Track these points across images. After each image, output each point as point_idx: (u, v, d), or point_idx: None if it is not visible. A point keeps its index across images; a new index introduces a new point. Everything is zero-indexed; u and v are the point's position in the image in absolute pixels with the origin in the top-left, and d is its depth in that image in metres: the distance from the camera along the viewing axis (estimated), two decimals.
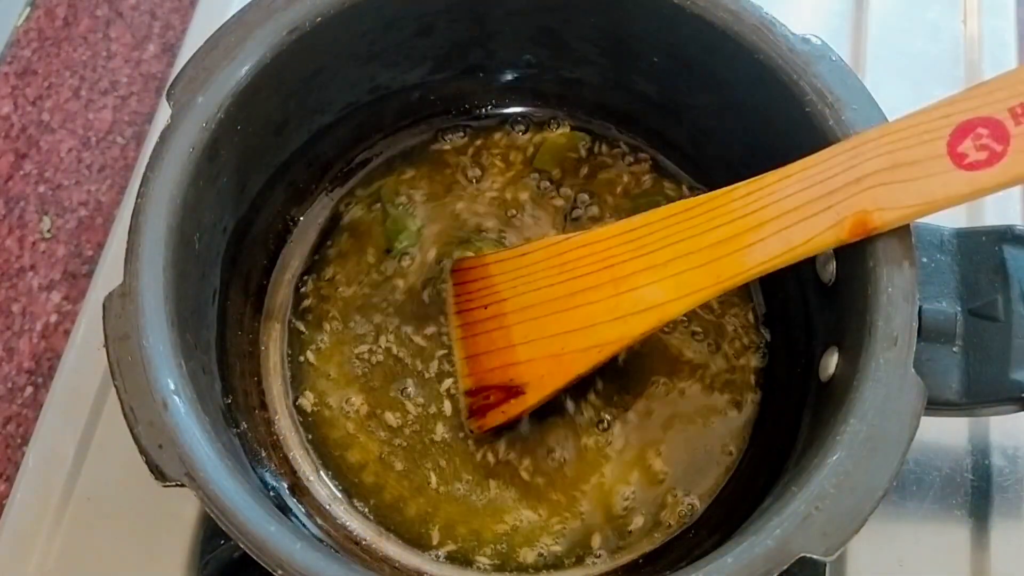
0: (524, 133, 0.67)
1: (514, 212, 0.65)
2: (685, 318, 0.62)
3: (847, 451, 0.45)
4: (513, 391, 0.57)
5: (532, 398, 0.57)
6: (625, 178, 0.66)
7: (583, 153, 0.67)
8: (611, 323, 0.53)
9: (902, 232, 0.48)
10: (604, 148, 0.67)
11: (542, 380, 0.56)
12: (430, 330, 0.62)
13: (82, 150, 0.76)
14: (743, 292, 0.62)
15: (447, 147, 0.67)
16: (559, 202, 0.65)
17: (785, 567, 0.43)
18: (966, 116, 0.47)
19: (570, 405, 0.60)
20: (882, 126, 0.49)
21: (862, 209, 0.48)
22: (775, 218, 0.49)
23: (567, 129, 0.67)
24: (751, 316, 0.62)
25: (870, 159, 0.48)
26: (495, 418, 0.58)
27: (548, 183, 0.66)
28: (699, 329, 0.62)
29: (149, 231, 0.49)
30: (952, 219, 0.53)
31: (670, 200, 0.64)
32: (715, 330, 0.62)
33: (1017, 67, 0.48)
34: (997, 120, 0.46)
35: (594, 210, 0.65)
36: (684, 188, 0.66)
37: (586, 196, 0.65)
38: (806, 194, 0.49)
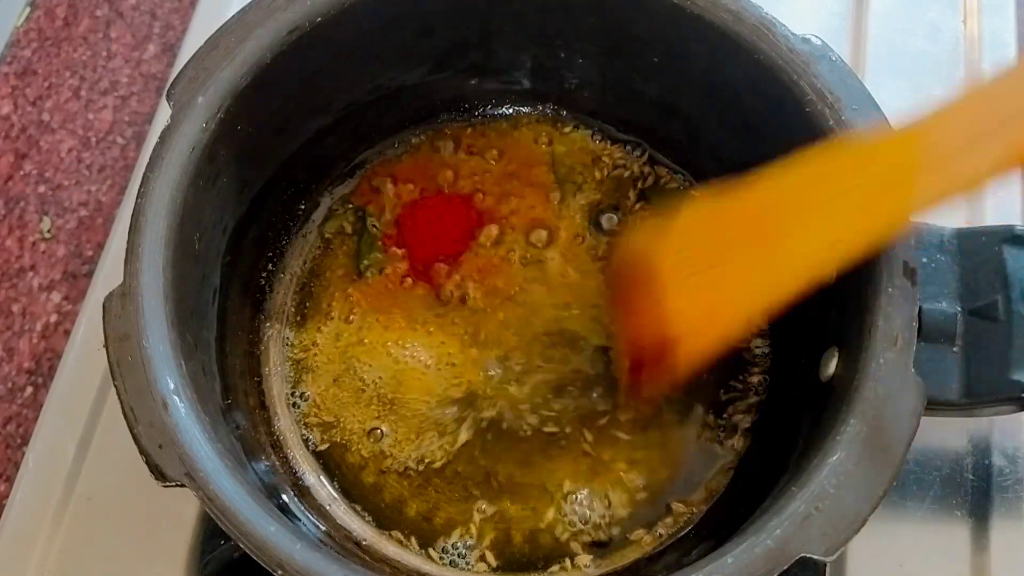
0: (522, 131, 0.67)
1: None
2: None
3: (847, 451, 0.45)
4: (665, 347, 0.54)
5: (683, 357, 0.54)
6: (628, 177, 0.66)
7: (587, 155, 0.67)
8: (767, 281, 0.51)
9: (902, 232, 0.48)
10: (604, 148, 0.67)
11: (694, 336, 0.54)
12: (431, 329, 0.62)
13: (82, 150, 0.76)
14: None
15: (446, 147, 0.67)
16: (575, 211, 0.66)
17: (785, 567, 0.43)
18: None
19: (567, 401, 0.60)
20: (1008, 72, 0.49)
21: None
22: (932, 161, 0.48)
23: (568, 129, 0.67)
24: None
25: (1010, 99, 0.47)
26: (648, 383, 0.56)
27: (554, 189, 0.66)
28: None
29: (149, 231, 0.49)
30: (952, 219, 0.53)
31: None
32: None
33: None
34: None
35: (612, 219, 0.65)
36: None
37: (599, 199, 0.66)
38: (958, 138, 0.47)
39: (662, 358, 0.54)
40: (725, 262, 0.52)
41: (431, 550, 0.57)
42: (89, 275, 0.71)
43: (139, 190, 0.50)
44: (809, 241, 0.50)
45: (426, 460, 0.59)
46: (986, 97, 0.48)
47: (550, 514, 0.58)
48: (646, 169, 0.66)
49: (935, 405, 0.49)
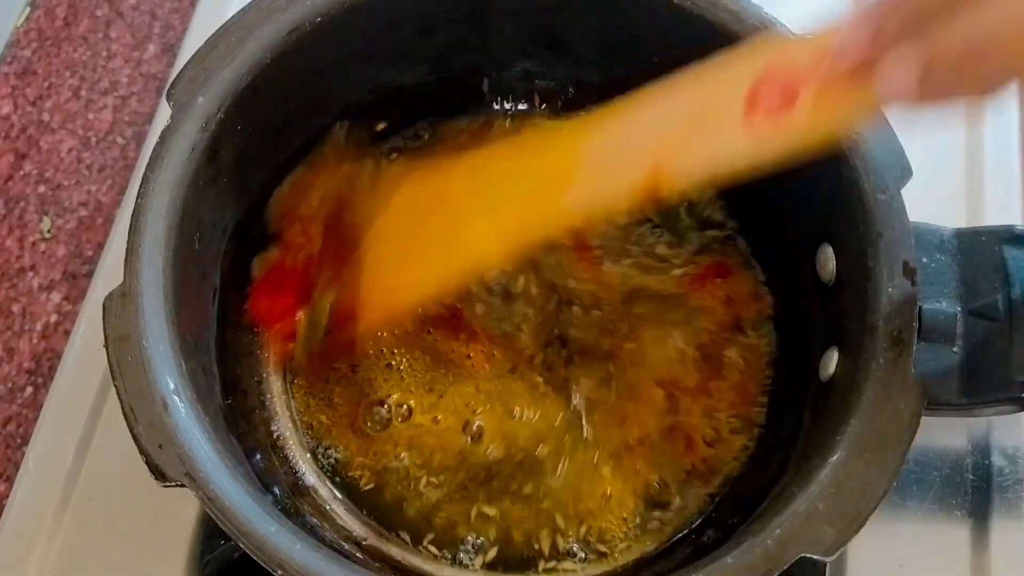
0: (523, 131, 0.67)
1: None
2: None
3: (847, 451, 0.45)
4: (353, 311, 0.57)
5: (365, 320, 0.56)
6: None
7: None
8: (441, 260, 0.54)
9: (902, 232, 0.48)
10: None
11: (373, 305, 0.56)
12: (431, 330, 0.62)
13: (82, 150, 0.76)
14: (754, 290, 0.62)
15: (445, 147, 0.67)
16: None
17: (785, 567, 0.44)
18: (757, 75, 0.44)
19: (562, 409, 0.60)
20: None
21: (659, 167, 0.46)
22: (593, 164, 0.49)
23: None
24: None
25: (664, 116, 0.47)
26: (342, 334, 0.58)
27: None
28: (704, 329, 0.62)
29: (149, 231, 0.49)
30: (952, 219, 0.53)
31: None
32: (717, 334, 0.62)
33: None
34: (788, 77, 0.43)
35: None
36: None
37: None
38: (615, 148, 0.48)
39: (348, 321, 0.57)
40: (415, 243, 0.55)
41: (431, 550, 0.57)
42: (89, 275, 0.71)
43: (139, 190, 0.50)
44: (481, 229, 0.52)
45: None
46: (640, 115, 0.48)
47: (548, 514, 0.58)
48: None
49: (935, 405, 0.49)
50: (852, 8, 0.41)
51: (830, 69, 0.41)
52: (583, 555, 0.57)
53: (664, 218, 0.64)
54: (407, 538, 0.58)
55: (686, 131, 0.46)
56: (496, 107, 0.68)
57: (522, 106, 0.68)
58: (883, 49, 0.38)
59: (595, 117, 0.49)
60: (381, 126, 0.66)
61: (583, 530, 0.58)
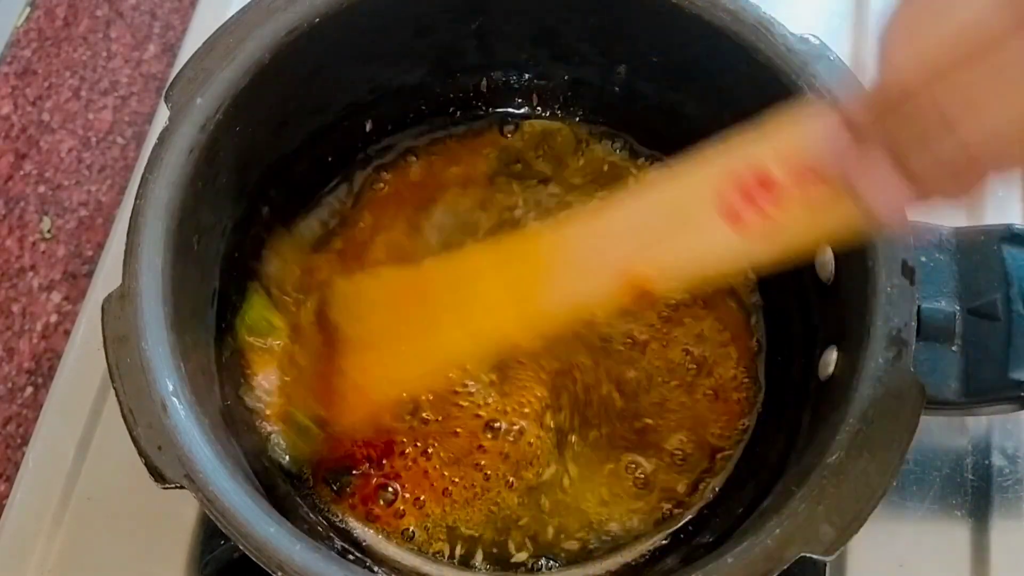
0: (521, 131, 0.67)
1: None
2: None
3: (847, 451, 0.45)
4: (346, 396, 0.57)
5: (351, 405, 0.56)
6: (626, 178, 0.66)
7: (582, 155, 0.67)
8: (419, 355, 0.54)
9: (901, 231, 0.48)
10: (601, 147, 0.67)
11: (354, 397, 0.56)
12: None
13: (82, 150, 0.76)
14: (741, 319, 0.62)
15: (444, 148, 0.67)
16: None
17: (785, 567, 0.43)
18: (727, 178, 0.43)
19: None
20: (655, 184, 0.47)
21: (636, 270, 0.46)
22: (567, 268, 0.49)
23: (566, 128, 0.67)
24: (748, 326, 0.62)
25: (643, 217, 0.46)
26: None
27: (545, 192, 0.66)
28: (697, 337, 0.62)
29: (148, 232, 0.49)
30: (951, 218, 0.53)
31: None
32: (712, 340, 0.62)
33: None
34: (761, 176, 0.43)
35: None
36: None
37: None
38: (587, 252, 0.48)
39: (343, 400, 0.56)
40: (392, 337, 0.55)
41: (431, 549, 0.57)
42: (89, 275, 0.71)
43: (137, 191, 0.50)
44: (457, 327, 0.52)
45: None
46: (614, 217, 0.48)
47: (547, 515, 0.58)
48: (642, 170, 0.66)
49: (934, 404, 0.49)
50: (823, 110, 0.41)
51: (808, 173, 0.41)
52: (583, 555, 0.57)
53: None
54: (406, 538, 0.58)
55: (662, 232, 0.46)
56: (495, 108, 0.67)
57: (522, 107, 0.68)
58: (866, 160, 0.37)
59: (570, 219, 0.50)
60: (369, 126, 0.66)
61: (586, 530, 0.58)
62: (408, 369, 0.55)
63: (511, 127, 0.67)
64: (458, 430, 0.59)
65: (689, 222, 0.44)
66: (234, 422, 0.56)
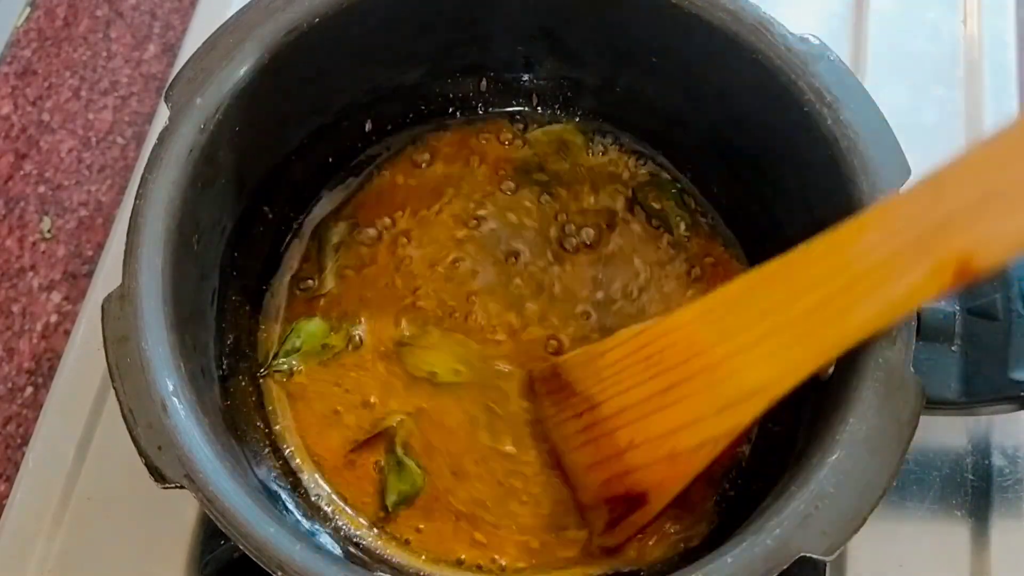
0: (523, 132, 0.67)
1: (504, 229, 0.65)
2: None
3: (847, 451, 0.45)
4: (635, 501, 0.53)
5: (657, 505, 0.53)
6: (624, 177, 0.66)
7: (581, 155, 0.67)
8: (718, 415, 0.49)
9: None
10: (601, 148, 0.67)
11: (662, 485, 0.52)
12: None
13: (82, 150, 0.76)
14: None
15: (445, 148, 0.67)
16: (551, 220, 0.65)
17: (785, 567, 0.43)
18: None
19: None
20: (964, 155, 0.43)
21: (962, 250, 0.42)
22: (866, 273, 0.45)
23: (568, 128, 0.67)
24: None
25: (957, 193, 0.42)
26: (626, 531, 0.55)
27: (545, 195, 0.66)
28: None
29: (148, 233, 0.49)
30: None
31: (681, 203, 0.65)
32: None
33: None
34: None
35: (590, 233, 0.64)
36: (684, 195, 0.65)
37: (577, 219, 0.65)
38: (892, 243, 0.44)
39: (633, 512, 0.54)
40: (671, 400, 0.51)
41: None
42: (89, 275, 0.71)
43: (137, 191, 0.50)
44: (756, 370, 0.49)
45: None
46: (899, 208, 0.45)
47: (547, 516, 0.58)
48: (640, 171, 0.66)
49: (934, 404, 0.49)
50: None
51: None
52: (582, 555, 0.57)
53: (660, 218, 0.64)
54: (406, 539, 0.58)
55: (985, 206, 0.42)
56: (495, 108, 0.67)
57: (521, 108, 0.68)
58: None
59: (846, 227, 0.47)
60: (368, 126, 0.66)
61: (581, 530, 0.58)
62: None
63: (511, 127, 0.67)
64: None
65: (1012, 192, 0.41)
66: (234, 422, 0.56)
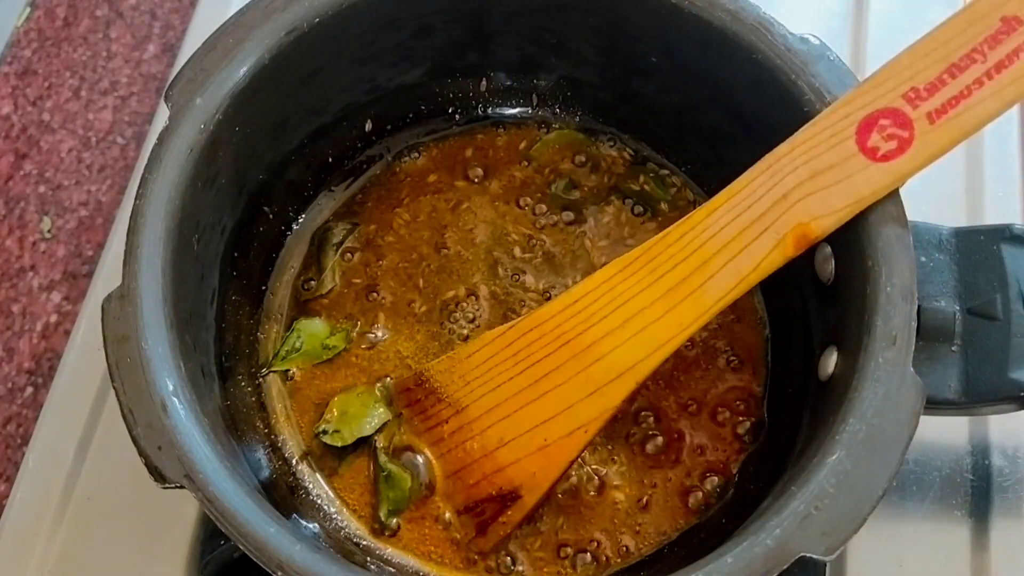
0: (523, 132, 0.67)
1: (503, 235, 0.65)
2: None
3: (847, 451, 0.45)
4: (508, 498, 0.55)
5: (531, 499, 0.54)
6: (622, 176, 0.66)
7: (582, 156, 0.67)
8: (588, 399, 0.52)
9: (900, 231, 0.48)
10: (602, 149, 0.67)
11: (535, 478, 0.54)
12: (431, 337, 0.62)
13: (82, 150, 0.76)
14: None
15: (444, 148, 0.67)
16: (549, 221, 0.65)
17: (785, 567, 0.43)
18: (865, 112, 0.48)
19: None
20: (790, 140, 0.50)
21: (798, 223, 0.48)
22: (718, 252, 0.50)
23: (568, 129, 0.67)
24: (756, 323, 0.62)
25: (788, 174, 0.49)
26: (498, 532, 0.55)
27: (545, 194, 0.66)
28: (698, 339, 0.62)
29: (147, 232, 0.49)
30: (952, 218, 0.53)
31: (677, 205, 0.65)
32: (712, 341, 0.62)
33: (899, 55, 0.48)
34: (894, 109, 0.47)
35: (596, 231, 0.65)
36: (686, 191, 0.65)
37: (571, 213, 0.65)
38: (739, 222, 0.49)
39: (505, 510, 0.55)
40: (541, 391, 0.53)
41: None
42: (89, 275, 0.71)
43: (137, 191, 0.50)
44: (623, 351, 0.51)
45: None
46: (742, 191, 0.50)
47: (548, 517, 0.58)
48: (639, 170, 0.66)
49: (934, 404, 0.49)
50: None
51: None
52: (582, 556, 0.57)
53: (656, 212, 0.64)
54: (404, 539, 0.58)
55: (813, 183, 0.49)
56: (495, 108, 0.67)
57: (521, 108, 0.68)
58: None
59: (698, 212, 0.51)
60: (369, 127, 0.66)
61: (581, 530, 0.58)
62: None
63: (511, 128, 0.67)
64: None
65: (834, 169, 0.48)
66: (234, 422, 0.56)
